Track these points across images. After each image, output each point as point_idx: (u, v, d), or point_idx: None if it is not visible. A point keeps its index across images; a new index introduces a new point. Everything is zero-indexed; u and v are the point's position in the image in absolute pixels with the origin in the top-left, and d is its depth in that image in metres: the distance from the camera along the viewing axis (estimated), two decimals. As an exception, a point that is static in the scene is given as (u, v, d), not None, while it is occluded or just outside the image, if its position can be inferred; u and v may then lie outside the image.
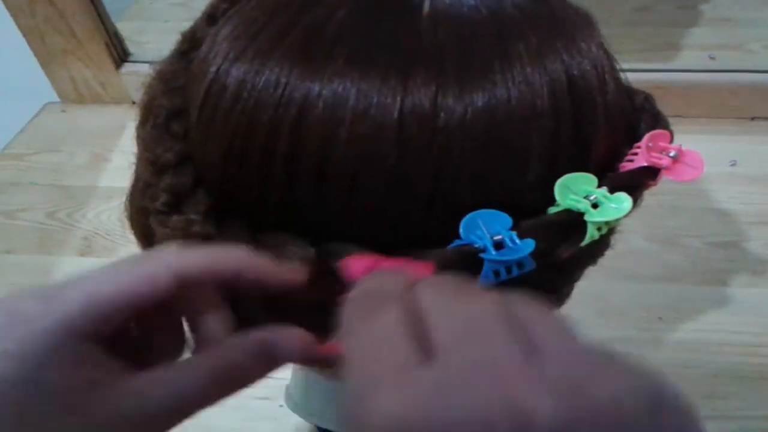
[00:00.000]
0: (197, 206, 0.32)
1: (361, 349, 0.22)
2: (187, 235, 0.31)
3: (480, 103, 0.29)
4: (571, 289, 0.39)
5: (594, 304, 0.66)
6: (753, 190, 0.84)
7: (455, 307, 0.22)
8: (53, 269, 0.82)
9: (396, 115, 0.29)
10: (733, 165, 0.87)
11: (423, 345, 0.21)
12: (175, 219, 0.31)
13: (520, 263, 0.29)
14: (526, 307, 0.22)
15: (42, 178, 0.97)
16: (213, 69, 0.32)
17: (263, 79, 0.30)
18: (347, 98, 0.29)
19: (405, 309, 0.23)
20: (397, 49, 0.30)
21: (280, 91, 0.30)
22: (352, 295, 0.25)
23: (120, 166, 0.98)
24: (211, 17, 0.37)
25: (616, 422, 0.19)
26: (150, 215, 0.33)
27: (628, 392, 0.19)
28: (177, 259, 0.27)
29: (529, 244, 0.29)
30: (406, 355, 0.21)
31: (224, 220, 0.31)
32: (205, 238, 0.31)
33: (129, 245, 0.84)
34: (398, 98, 0.29)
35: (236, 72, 0.31)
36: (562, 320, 0.22)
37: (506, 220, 0.29)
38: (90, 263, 0.83)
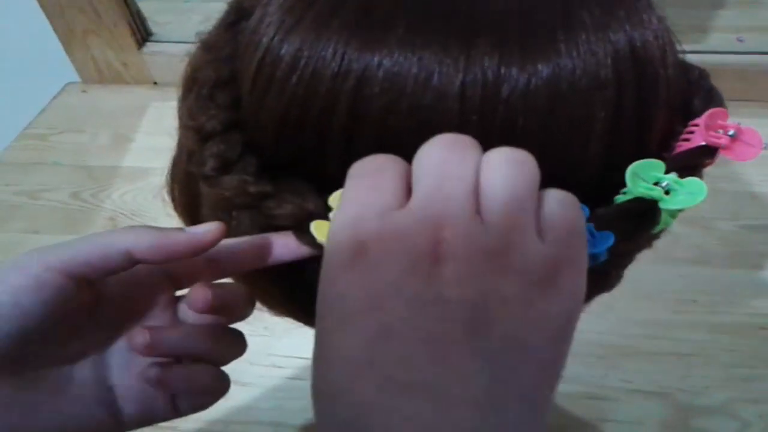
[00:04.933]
0: (247, 168, 0.31)
1: (356, 192, 0.27)
2: (243, 195, 0.31)
3: (544, 74, 0.28)
4: (623, 272, 0.38)
5: (629, 286, 0.65)
6: (785, 173, 0.83)
7: (439, 165, 0.26)
8: (79, 249, 0.82)
9: (458, 85, 0.28)
10: (765, 148, 0.85)
11: (406, 194, 0.27)
12: (228, 179, 0.31)
13: (594, 256, 0.28)
14: (503, 177, 0.26)
15: (65, 158, 0.96)
16: (266, 39, 0.31)
17: (320, 49, 0.29)
18: (408, 68, 0.28)
19: (402, 166, 0.27)
20: (458, 16, 0.29)
21: (338, 61, 0.29)
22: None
23: (143, 146, 0.97)
24: (259, -13, 0.36)
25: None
26: (198, 180, 0.33)
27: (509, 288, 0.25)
28: (130, 237, 0.31)
29: (608, 237, 0.28)
30: (388, 202, 0.26)
31: (280, 182, 0.31)
32: (263, 197, 0.30)
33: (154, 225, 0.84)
34: (460, 68, 0.28)
35: (292, 42, 0.30)
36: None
37: (583, 210, 0.28)
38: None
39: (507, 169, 0.26)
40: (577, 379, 0.63)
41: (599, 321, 0.66)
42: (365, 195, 0.27)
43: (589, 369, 0.63)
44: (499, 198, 0.25)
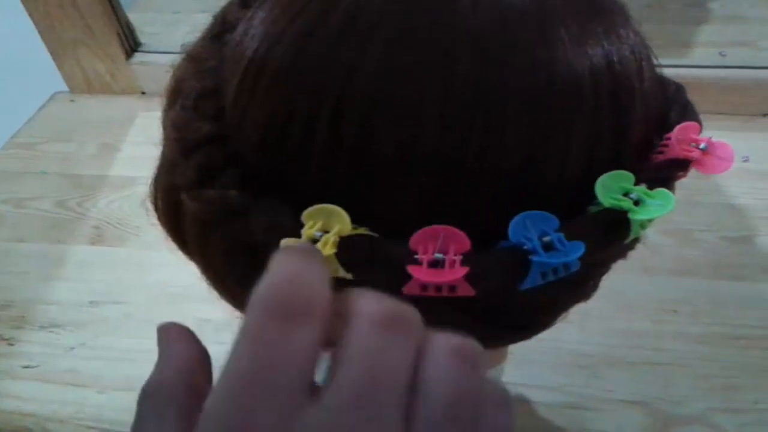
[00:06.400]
0: (229, 181, 0.31)
1: (254, 366, 0.20)
2: (223, 208, 0.31)
3: (522, 89, 0.29)
4: (599, 282, 0.39)
5: (610, 296, 0.66)
6: (765, 185, 0.84)
7: (368, 348, 0.20)
8: (64, 258, 0.82)
9: (437, 100, 0.29)
10: (745, 161, 0.87)
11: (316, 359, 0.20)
12: (209, 192, 0.31)
13: (566, 265, 0.29)
14: (442, 373, 0.21)
15: (52, 167, 0.96)
16: (250, 52, 0.32)
17: (302, 62, 0.30)
18: (388, 83, 0.29)
19: (322, 331, 0.21)
20: (438, 32, 0.30)
21: (319, 74, 0.30)
22: (270, 290, 0.21)
23: (130, 156, 0.98)
24: (244, 0, 0.37)
25: None
26: (180, 192, 0.33)
27: None
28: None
29: (578, 247, 0.28)
30: (299, 394, 0.19)
31: (261, 196, 0.31)
32: (242, 210, 0.31)
33: (140, 235, 0.84)
34: (439, 83, 0.29)
35: (275, 55, 0.31)
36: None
37: (553, 221, 0.29)
38: (101, 252, 0.84)
39: (451, 371, 0.21)
40: (558, 389, 0.63)
41: (581, 331, 0.67)
42: (263, 368, 0.19)
43: (570, 378, 0.64)
44: (439, 406, 0.20)
